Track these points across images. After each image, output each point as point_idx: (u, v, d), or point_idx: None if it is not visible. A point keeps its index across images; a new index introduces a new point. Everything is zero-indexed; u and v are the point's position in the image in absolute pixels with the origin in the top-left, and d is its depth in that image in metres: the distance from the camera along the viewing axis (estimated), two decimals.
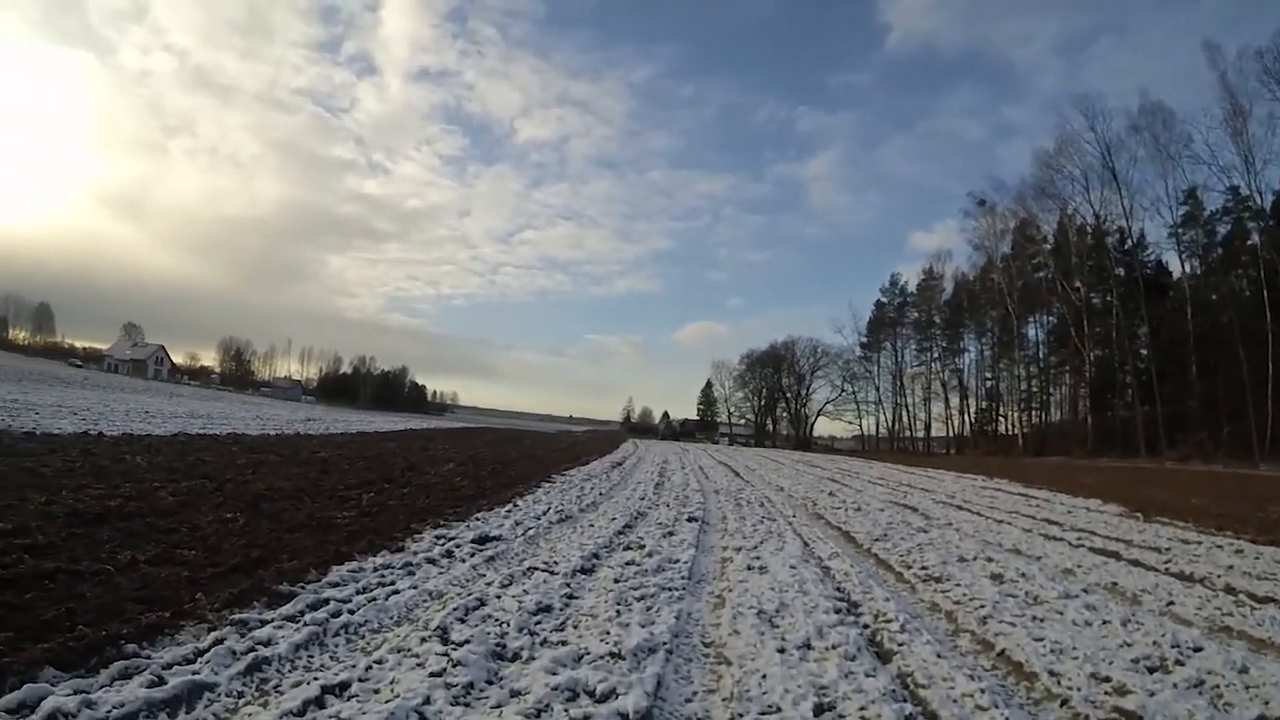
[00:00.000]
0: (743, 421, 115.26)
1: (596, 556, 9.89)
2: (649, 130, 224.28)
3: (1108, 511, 18.51)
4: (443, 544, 9.69)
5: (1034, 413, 74.10)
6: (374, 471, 17.17)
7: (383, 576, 7.68)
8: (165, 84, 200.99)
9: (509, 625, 6.38)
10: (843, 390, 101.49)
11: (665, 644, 6.08)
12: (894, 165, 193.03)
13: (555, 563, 9.27)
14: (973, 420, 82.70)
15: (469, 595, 7.27)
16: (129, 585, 6.27)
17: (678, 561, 9.77)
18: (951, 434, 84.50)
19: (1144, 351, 58.90)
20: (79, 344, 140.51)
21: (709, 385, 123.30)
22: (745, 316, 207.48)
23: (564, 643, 6.10)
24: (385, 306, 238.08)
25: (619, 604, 7.42)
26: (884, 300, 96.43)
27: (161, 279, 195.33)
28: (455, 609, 6.66)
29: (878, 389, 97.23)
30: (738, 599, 7.95)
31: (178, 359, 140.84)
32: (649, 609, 7.27)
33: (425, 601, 7.10)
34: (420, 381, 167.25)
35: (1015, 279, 71.52)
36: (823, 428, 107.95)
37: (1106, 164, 59.60)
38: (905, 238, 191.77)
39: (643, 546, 10.89)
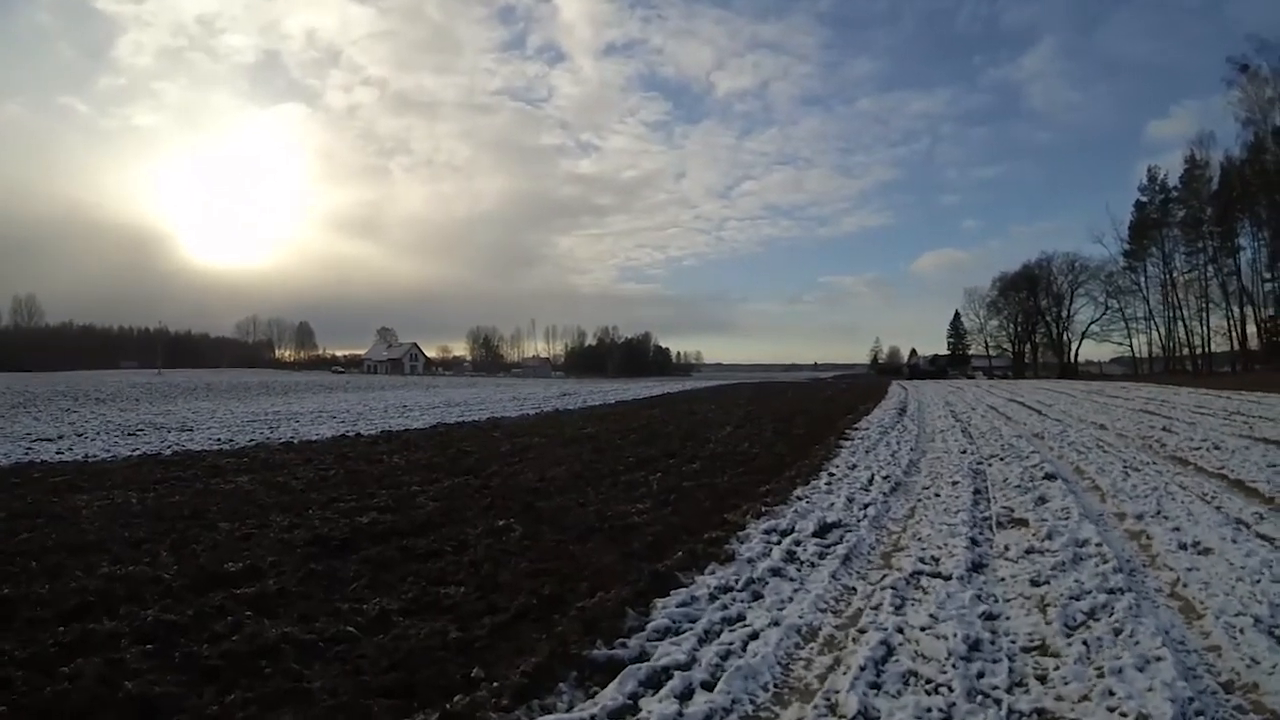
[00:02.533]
0: (998, 352, 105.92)
1: (975, 543, 7.37)
2: (848, 58, 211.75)
3: None
4: (776, 540, 7.30)
5: None
6: (650, 446, 15.28)
7: (725, 608, 5.29)
8: (372, 113, 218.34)
9: (951, 689, 4.11)
10: (1107, 308, 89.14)
11: (1190, 699, 3.85)
12: (1119, 47, 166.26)
13: (935, 558, 6.82)
14: (1263, 330, 69.07)
15: (859, 631, 4.98)
16: (375, 659, 4.26)
17: (1086, 543, 7.10)
18: (1235, 348, 71.58)
19: None
20: (339, 352, 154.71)
21: (957, 317, 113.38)
22: (985, 239, 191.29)
23: (1045, 715, 3.87)
24: (618, 277, 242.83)
25: (1067, 626, 5.04)
26: (1144, 200, 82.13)
27: (406, 283, 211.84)
28: (860, 666, 4.28)
29: (1147, 302, 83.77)
30: (1206, 600, 5.53)
31: (430, 353, 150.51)
32: (1118, 633, 4.82)
33: (799, 648, 4.75)
34: (663, 344, 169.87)
35: None
36: (1085, 352, 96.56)
37: None
38: (1142, 128, 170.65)
39: (1024, 522, 8.28)
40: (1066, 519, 8.17)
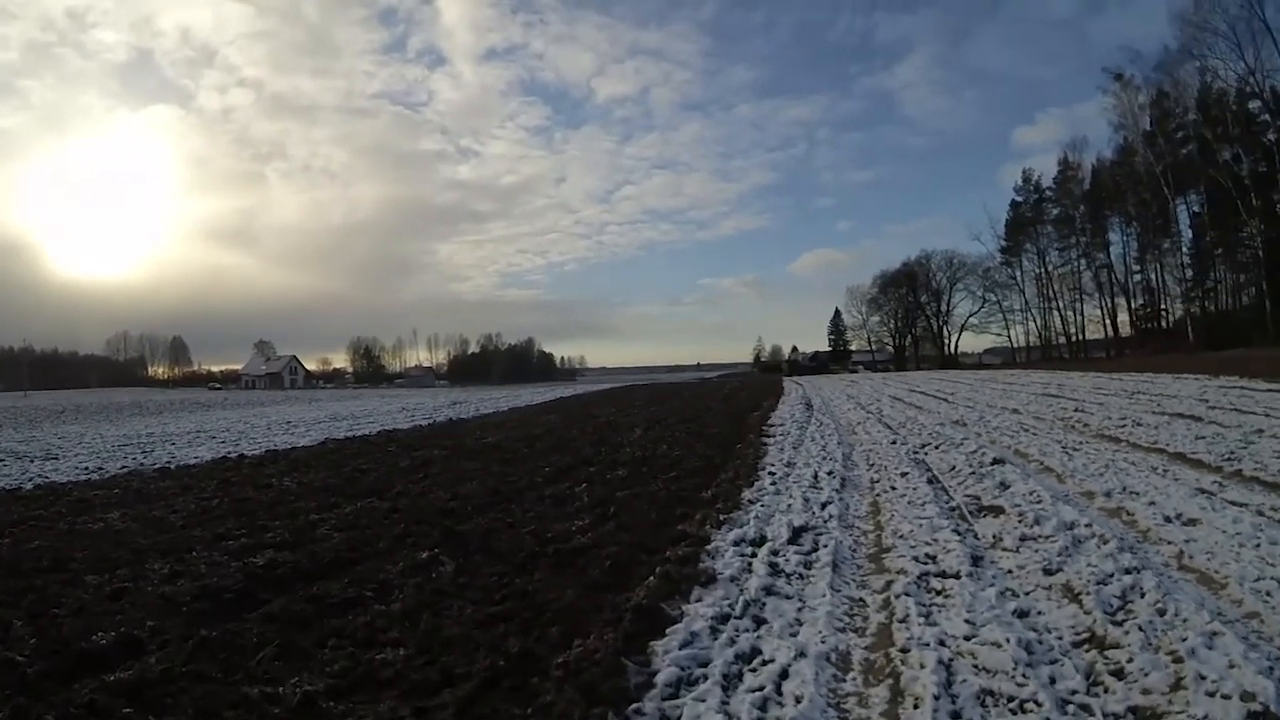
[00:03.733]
0: (878, 346, 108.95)
1: (960, 535, 6.87)
2: (728, 66, 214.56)
3: None
4: (750, 552, 6.38)
5: (1198, 303, 64.84)
6: (562, 454, 13.98)
7: (732, 642, 4.35)
8: (248, 116, 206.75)
9: (1039, 703, 3.55)
10: (984, 301, 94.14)
11: (1270, 669, 3.64)
12: (987, 59, 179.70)
13: (930, 555, 6.25)
14: (1134, 317, 74.23)
15: (901, 651, 4.28)
16: None
17: (1075, 525, 6.66)
18: (1109, 335, 76.72)
19: None
20: (215, 368, 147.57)
21: (837, 314, 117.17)
22: (860, 239, 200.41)
23: (1144, 713, 3.51)
24: (500, 283, 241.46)
25: (1107, 613, 4.62)
26: (1019, 200, 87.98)
27: (284, 295, 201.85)
28: (934, 695, 3.63)
29: (1024, 294, 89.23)
30: (1220, 569, 5.41)
31: (310, 366, 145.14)
32: (1162, 613, 4.47)
33: (840, 680, 4.00)
34: (546, 350, 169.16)
35: (1164, 154, 62.41)
36: (965, 343, 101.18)
37: (1255, 13, 50.34)
38: (1009, 134, 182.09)
39: (999, 509, 7.84)
40: (1039, 503, 7.70)
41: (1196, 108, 59.04)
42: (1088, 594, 4.89)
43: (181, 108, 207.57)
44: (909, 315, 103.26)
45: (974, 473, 9.90)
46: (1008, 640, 4.16)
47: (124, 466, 15.38)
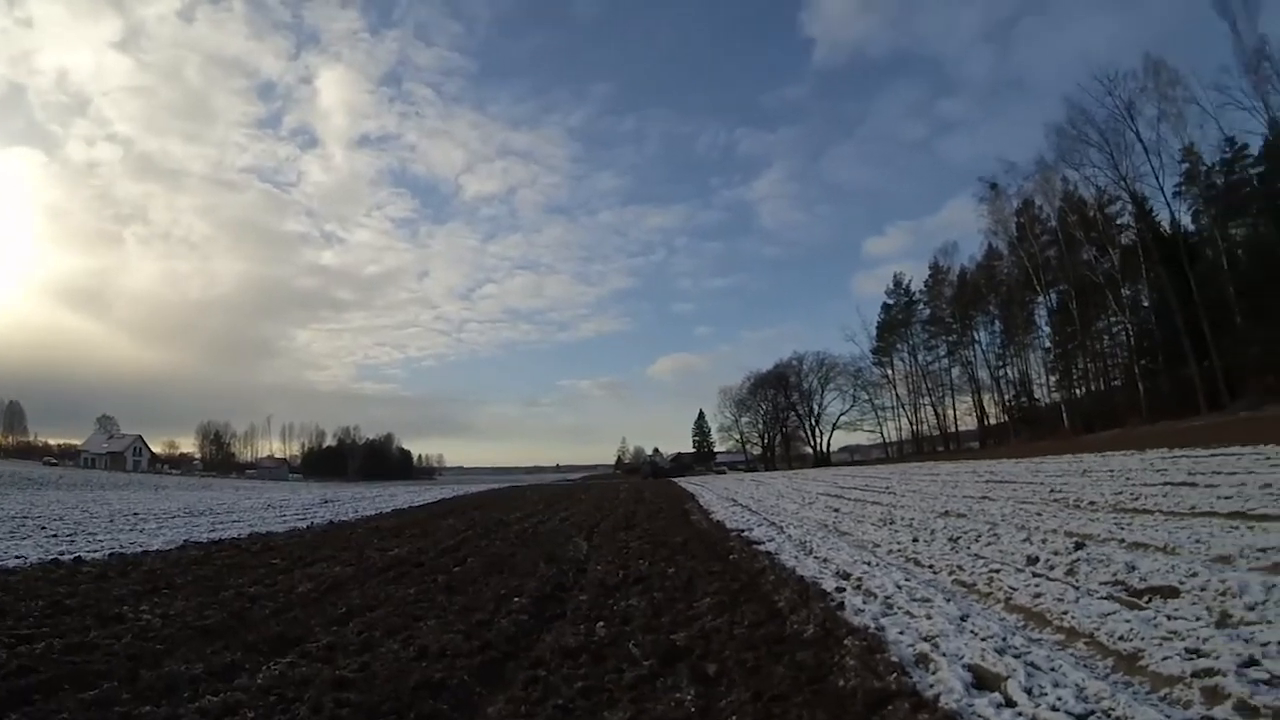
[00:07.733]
0: (742, 446, 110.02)
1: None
2: (594, 172, 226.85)
3: None
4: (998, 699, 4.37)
5: (1068, 390, 68.83)
6: (513, 575, 10.87)
7: None
8: (113, 173, 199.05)
9: None
10: (855, 399, 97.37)
11: None
12: (840, 175, 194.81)
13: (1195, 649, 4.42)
14: (1005, 406, 77.97)
15: None
16: None
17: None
18: (981, 425, 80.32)
19: (1178, 309, 52.55)
20: (53, 441, 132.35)
21: (701, 416, 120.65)
22: (717, 344, 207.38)
23: None
24: (356, 375, 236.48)
25: None
26: (890, 302, 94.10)
27: (131, 369, 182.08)
28: None
29: (895, 392, 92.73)
30: None
31: (156, 448, 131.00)
32: None
33: None
34: (405, 446, 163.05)
35: (1037, 254, 67.53)
36: (837, 441, 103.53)
37: (1127, 125, 56.00)
38: (860, 244, 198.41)
39: (1174, 590, 6.43)
40: (1195, 575, 6.64)
41: (1067, 211, 64.51)
42: None
43: (46, 155, 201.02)
44: (779, 415, 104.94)
45: (1076, 559, 8.27)
46: None
47: None
